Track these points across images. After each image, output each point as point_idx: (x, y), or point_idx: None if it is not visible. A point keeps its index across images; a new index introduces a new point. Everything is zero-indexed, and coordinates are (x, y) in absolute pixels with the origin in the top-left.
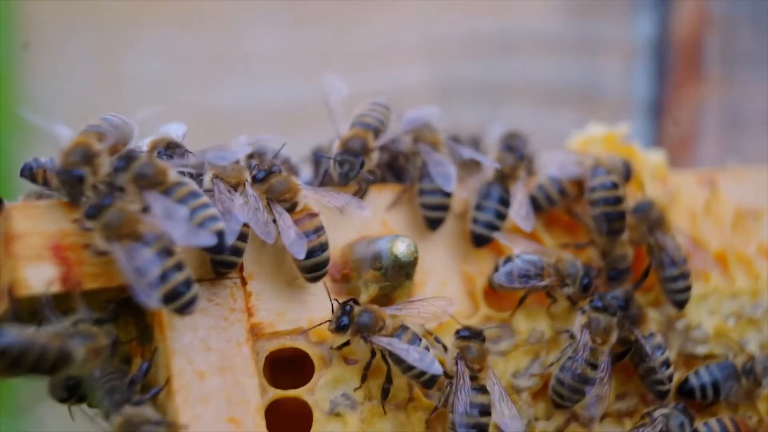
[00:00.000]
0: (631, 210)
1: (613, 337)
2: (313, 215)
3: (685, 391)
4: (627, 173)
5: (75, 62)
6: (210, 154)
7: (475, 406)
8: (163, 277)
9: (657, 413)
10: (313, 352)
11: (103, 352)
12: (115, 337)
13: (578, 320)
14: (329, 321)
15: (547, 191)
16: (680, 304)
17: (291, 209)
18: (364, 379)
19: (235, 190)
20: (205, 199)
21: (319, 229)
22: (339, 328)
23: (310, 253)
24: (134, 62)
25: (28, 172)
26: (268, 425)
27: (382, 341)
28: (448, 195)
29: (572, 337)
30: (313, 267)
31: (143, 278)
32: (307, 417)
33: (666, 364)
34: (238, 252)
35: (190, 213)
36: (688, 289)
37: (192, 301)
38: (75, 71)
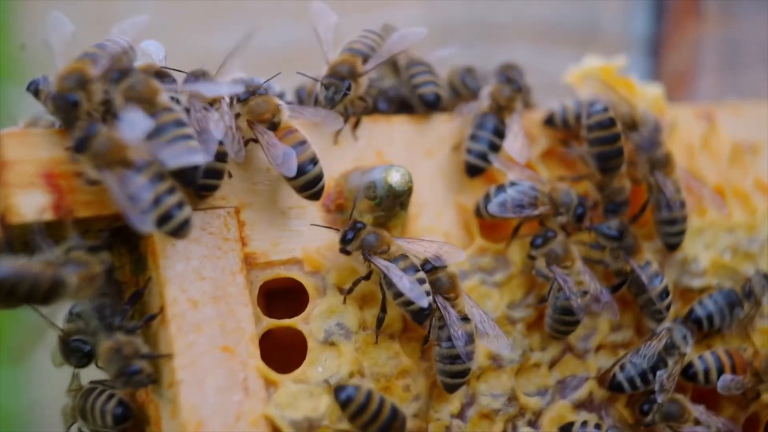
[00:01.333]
0: (636, 146)
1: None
2: (294, 130)
3: (692, 321)
4: (655, 129)
5: None
6: (200, 85)
7: (466, 335)
8: (156, 201)
9: (660, 328)
10: (308, 282)
11: (97, 280)
12: (110, 264)
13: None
14: (335, 229)
15: (567, 113)
16: (671, 247)
17: (272, 128)
18: (348, 292)
19: (211, 106)
20: (189, 130)
21: (303, 143)
22: (343, 240)
23: (301, 170)
24: None
25: (34, 88)
26: (262, 356)
27: (380, 262)
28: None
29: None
30: (307, 184)
31: (136, 205)
32: (301, 348)
33: (665, 292)
34: (217, 173)
35: (172, 141)
36: (681, 233)
37: (185, 223)
38: None
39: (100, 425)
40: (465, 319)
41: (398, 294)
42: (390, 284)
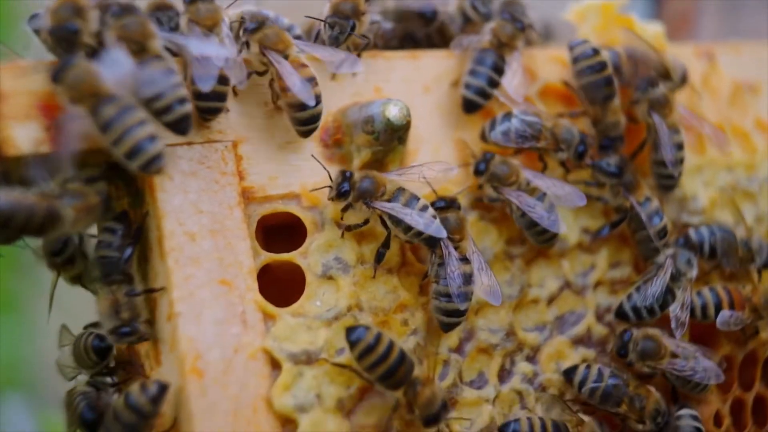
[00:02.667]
0: (635, 86)
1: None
2: (305, 65)
3: (693, 242)
4: (683, 77)
5: None
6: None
7: (462, 276)
8: (125, 133)
9: (661, 258)
10: (305, 217)
11: (95, 211)
12: (106, 195)
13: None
14: (329, 188)
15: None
16: (666, 188)
17: (285, 59)
18: (347, 229)
19: (211, 32)
20: (178, 80)
21: (312, 79)
22: (340, 194)
23: (305, 105)
24: None
25: (35, 27)
26: (261, 292)
27: (384, 206)
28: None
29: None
30: (309, 119)
31: (108, 137)
32: (299, 284)
33: (663, 231)
34: (220, 96)
35: (161, 93)
36: (674, 177)
37: (156, 158)
38: None
39: (90, 365)
40: (465, 260)
41: (408, 228)
42: (398, 221)
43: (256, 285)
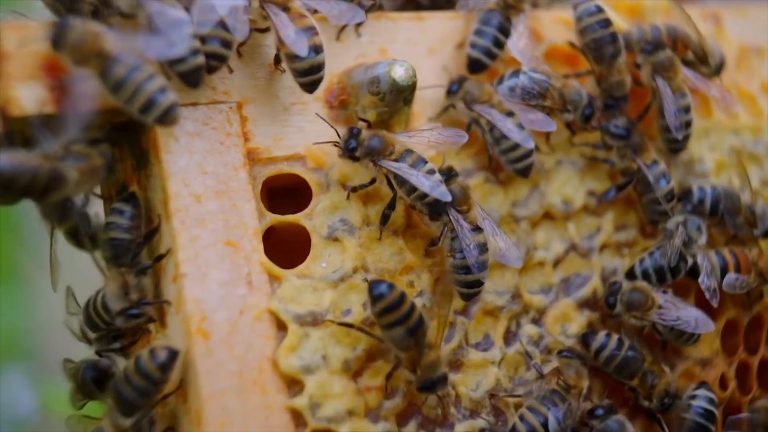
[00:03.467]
0: (639, 49)
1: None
2: (305, 15)
3: (693, 199)
4: (720, 65)
5: None
6: None
7: (478, 246)
8: (138, 90)
9: (671, 224)
10: (311, 178)
11: (98, 173)
12: (110, 157)
13: None
14: (336, 143)
15: None
16: (673, 151)
17: (284, 12)
18: (352, 190)
19: None
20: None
21: (311, 29)
22: (347, 150)
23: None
24: None
25: None
26: (267, 254)
27: (391, 165)
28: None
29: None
30: (309, 70)
31: (120, 96)
32: (304, 246)
33: (670, 194)
34: (225, 43)
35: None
36: (684, 139)
37: (170, 108)
38: None
39: (104, 326)
40: (477, 229)
41: (412, 189)
42: (402, 182)
43: (261, 246)
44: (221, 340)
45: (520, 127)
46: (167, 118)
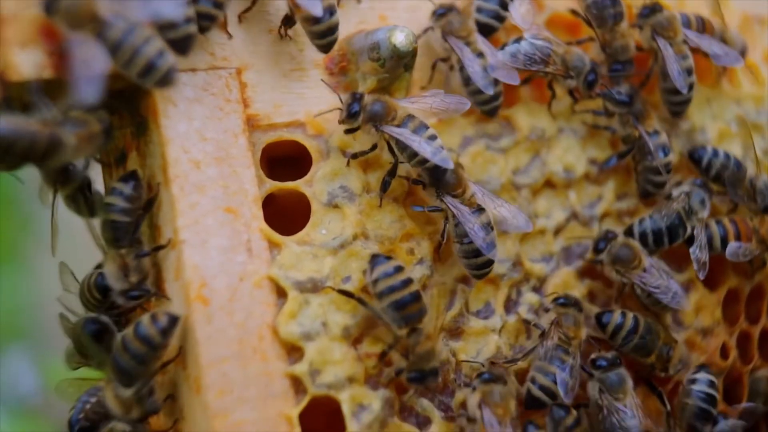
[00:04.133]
0: (637, 13)
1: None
2: None
3: (694, 157)
4: (742, 53)
5: None
6: None
7: (483, 228)
8: (135, 53)
9: (676, 191)
10: (311, 145)
11: (96, 139)
12: (109, 123)
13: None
14: (339, 109)
15: None
16: (675, 114)
17: None
18: (352, 157)
19: None
20: None
21: None
22: (350, 115)
23: (318, 18)
24: None
25: None
26: (267, 222)
27: (393, 131)
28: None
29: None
30: (326, 32)
31: (118, 58)
32: (305, 215)
33: (669, 165)
34: (218, 4)
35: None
36: (685, 102)
37: (169, 72)
38: None
39: (97, 305)
40: (477, 210)
41: (413, 155)
42: (404, 147)
43: (261, 213)
44: (221, 306)
45: (485, 71)
46: (166, 81)
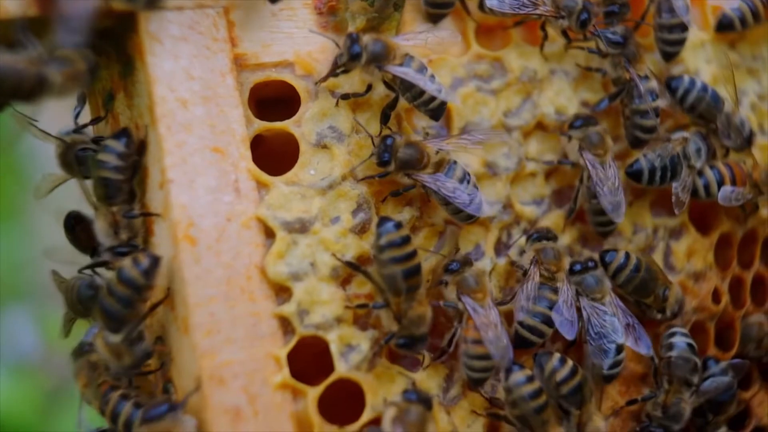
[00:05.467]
0: None
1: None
2: None
3: (670, 87)
4: None
5: None
6: None
7: (464, 195)
8: None
9: (676, 135)
10: (299, 85)
11: (82, 78)
12: (94, 61)
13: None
14: (338, 54)
15: None
16: (668, 56)
17: None
18: (343, 97)
19: None
20: None
21: None
22: (351, 57)
23: None
24: None
25: None
26: (254, 163)
27: (398, 70)
28: None
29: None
30: None
31: None
32: (294, 157)
33: (657, 110)
34: None
35: None
36: (680, 42)
37: None
38: None
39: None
40: (460, 180)
41: (419, 94)
42: (409, 87)
43: (249, 153)
44: (208, 246)
45: None
46: (156, 2)
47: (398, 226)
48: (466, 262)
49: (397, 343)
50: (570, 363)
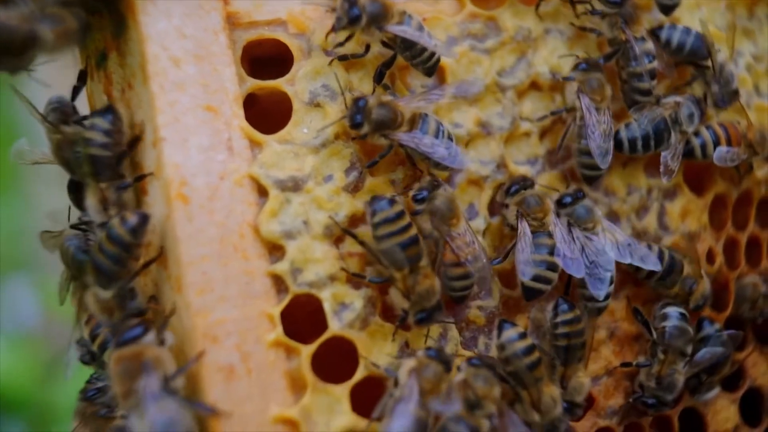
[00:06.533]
0: None
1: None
2: None
3: (656, 34)
4: None
5: None
6: None
7: (444, 152)
8: None
9: (669, 98)
10: (292, 44)
11: (73, 36)
12: (85, 20)
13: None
14: (337, 17)
15: None
16: (667, 9)
17: None
18: (339, 57)
19: None
20: None
21: None
22: (351, 20)
23: None
24: None
25: None
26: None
27: (396, 30)
28: None
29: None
30: None
31: None
32: (286, 116)
33: (653, 72)
34: None
35: None
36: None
37: None
38: None
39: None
40: (423, 120)
41: (420, 51)
42: (410, 45)
43: (242, 112)
44: (201, 205)
45: None
46: None
47: (392, 202)
48: (435, 186)
49: (415, 320)
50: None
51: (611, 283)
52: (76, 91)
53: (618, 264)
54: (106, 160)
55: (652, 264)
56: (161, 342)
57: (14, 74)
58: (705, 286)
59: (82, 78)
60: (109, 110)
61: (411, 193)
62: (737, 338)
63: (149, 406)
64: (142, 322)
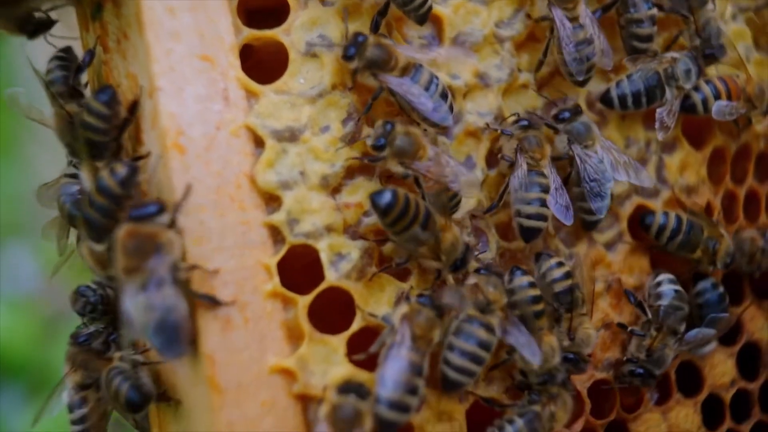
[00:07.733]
0: None
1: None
2: None
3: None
4: None
5: None
6: None
7: (434, 106)
8: None
9: (666, 55)
10: None
11: None
12: None
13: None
14: None
15: None
16: None
17: None
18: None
19: None
20: None
21: None
22: None
23: None
24: None
25: None
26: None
27: None
28: None
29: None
30: None
31: None
32: (283, 67)
33: (652, 19)
34: None
35: None
36: None
37: None
38: None
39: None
40: (417, 71)
41: (422, 3)
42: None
43: (238, 62)
44: (198, 155)
45: None
46: None
47: (394, 194)
48: (388, 129)
49: (451, 272)
50: (565, 267)
51: (610, 198)
52: (79, 70)
53: (634, 231)
54: (104, 144)
55: (646, 180)
56: (173, 224)
57: (32, 38)
58: (727, 242)
59: (90, 54)
60: (106, 91)
61: (369, 143)
62: (728, 324)
63: (152, 288)
64: (159, 201)
